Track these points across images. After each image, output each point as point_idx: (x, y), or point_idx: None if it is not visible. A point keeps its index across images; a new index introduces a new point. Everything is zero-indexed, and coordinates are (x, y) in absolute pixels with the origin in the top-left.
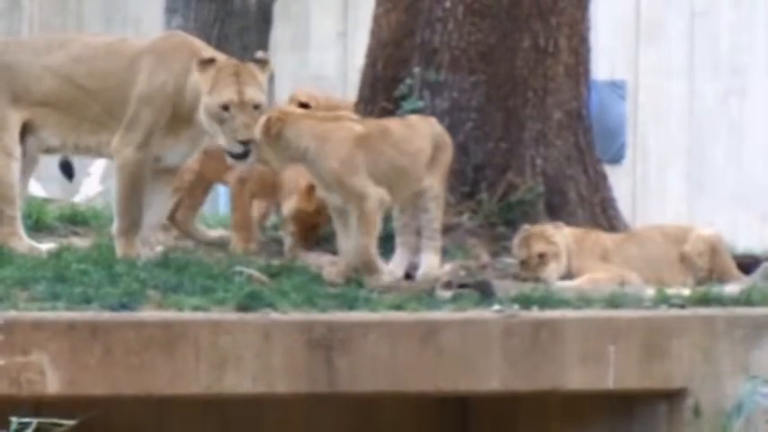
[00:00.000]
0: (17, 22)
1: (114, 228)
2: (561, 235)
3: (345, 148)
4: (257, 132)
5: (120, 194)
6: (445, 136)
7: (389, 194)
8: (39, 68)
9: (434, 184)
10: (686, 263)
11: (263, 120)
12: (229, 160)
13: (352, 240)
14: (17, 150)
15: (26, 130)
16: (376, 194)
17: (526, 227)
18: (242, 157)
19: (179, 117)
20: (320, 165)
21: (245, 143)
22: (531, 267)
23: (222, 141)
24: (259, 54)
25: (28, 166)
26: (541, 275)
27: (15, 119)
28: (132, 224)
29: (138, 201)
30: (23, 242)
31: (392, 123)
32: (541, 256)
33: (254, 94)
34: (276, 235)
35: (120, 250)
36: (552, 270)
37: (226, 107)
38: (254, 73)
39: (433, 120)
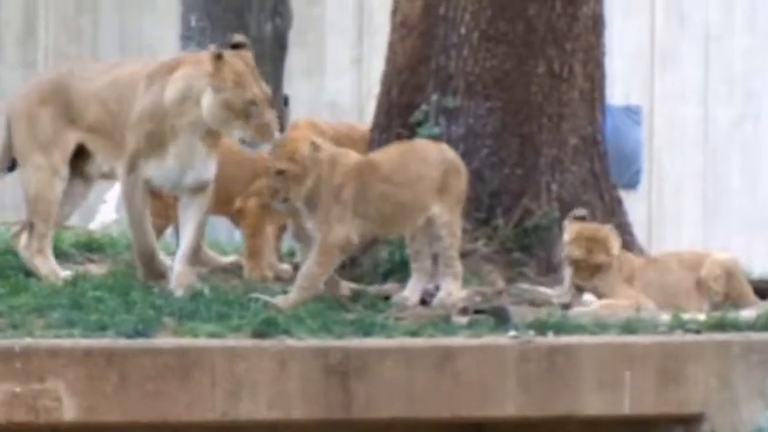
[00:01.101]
0: (32, 50)
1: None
2: (617, 247)
3: (342, 176)
4: (308, 159)
5: (128, 220)
6: (457, 162)
7: (391, 226)
8: (88, 94)
9: (444, 210)
10: (702, 288)
11: (311, 147)
12: (247, 148)
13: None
14: (64, 170)
15: (85, 154)
16: (343, 233)
17: (581, 212)
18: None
19: (160, 135)
20: (323, 188)
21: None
22: (582, 272)
23: (245, 134)
24: (238, 38)
25: (81, 189)
26: (588, 285)
27: (69, 139)
28: (140, 248)
29: (140, 224)
30: (47, 263)
31: (384, 155)
32: (597, 267)
33: (269, 89)
34: (291, 261)
35: (138, 275)
36: (596, 283)
37: (253, 103)
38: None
39: (444, 146)
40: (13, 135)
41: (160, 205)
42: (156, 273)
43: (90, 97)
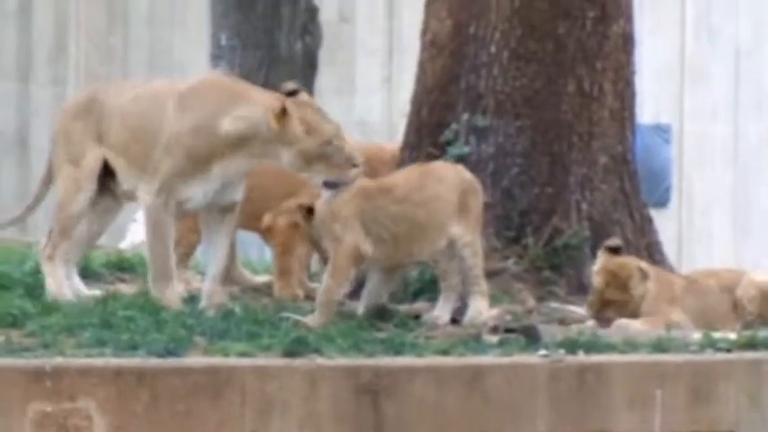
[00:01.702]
0: (63, 69)
1: (150, 276)
2: (643, 287)
3: (340, 198)
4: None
5: (148, 243)
6: (474, 183)
7: (408, 247)
8: (113, 111)
9: (465, 231)
10: (737, 308)
11: (297, 211)
12: (327, 192)
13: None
14: (89, 186)
15: (110, 172)
16: (351, 242)
17: (615, 242)
18: (344, 184)
19: (207, 156)
20: (324, 215)
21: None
22: (596, 303)
23: (328, 175)
24: (290, 85)
25: (107, 211)
26: (597, 319)
27: (96, 155)
28: (159, 272)
29: (163, 247)
30: (55, 273)
31: (398, 176)
32: (610, 302)
33: (337, 121)
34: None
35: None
36: (610, 319)
37: (329, 142)
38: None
39: (461, 167)
40: (53, 150)
41: (193, 221)
42: (168, 294)
43: (114, 114)
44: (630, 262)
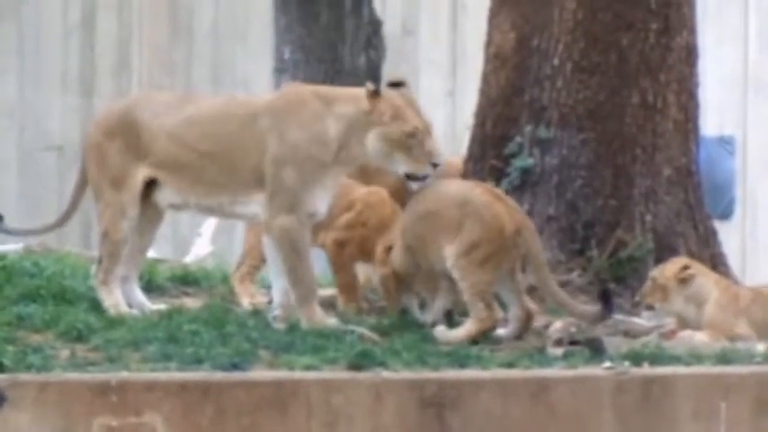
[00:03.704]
0: (126, 82)
1: (293, 300)
2: (675, 277)
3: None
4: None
5: (288, 265)
6: (479, 208)
7: (423, 258)
8: (157, 128)
9: (451, 252)
10: None
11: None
12: (411, 184)
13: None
14: (132, 210)
15: (153, 185)
16: (393, 261)
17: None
18: (425, 178)
19: (324, 165)
20: None
21: (435, 165)
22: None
23: (408, 167)
24: (397, 77)
25: (154, 219)
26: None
27: (138, 177)
28: (308, 291)
29: (307, 265)
30: (111, 296)
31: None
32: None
33: (429, 119)
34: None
35: (304, 322)
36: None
37: (413, 134)
38: (415, 98)
39: (480, 189)
40: (87, 164)
41: None
42: (319, 312)
43: (160, 132)
44: (687, 261)
